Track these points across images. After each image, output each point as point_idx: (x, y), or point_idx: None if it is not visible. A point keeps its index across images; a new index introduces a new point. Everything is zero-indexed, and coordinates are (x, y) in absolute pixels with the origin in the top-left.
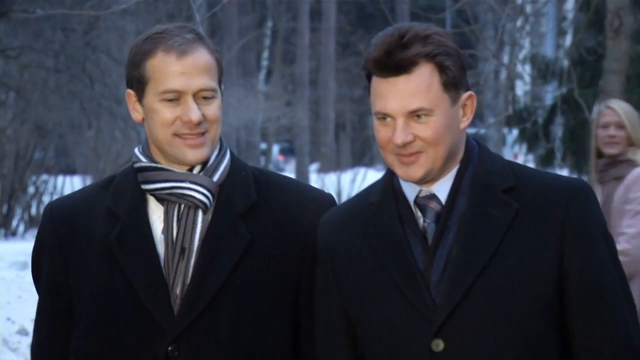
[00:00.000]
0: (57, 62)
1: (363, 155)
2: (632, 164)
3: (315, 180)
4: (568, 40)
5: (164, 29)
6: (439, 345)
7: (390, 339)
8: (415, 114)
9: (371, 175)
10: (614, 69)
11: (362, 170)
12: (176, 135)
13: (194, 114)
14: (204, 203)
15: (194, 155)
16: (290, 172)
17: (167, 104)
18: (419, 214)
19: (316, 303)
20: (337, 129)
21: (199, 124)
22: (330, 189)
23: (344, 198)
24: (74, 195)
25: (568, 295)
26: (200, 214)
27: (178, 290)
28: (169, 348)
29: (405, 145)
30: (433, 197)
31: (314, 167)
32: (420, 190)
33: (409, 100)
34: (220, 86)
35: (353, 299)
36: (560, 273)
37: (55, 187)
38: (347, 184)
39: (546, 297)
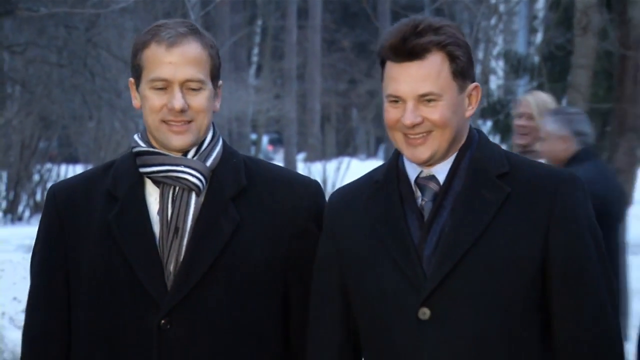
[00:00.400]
0: (60, 57)
1: (347, 145)
2: (537, 155)
3: (302, 168)
4: (539, 37)
5: (162, 23)
6: (425, 313)
7: (382, 307)
8: (424, 98)
9: (354, 164)
10: (582, 64)
11: (346, 160)
12: (163, 121)
13: (177, 102)
14: (197, 186)
15: (177, 140)
16: (279, 161)
17: (156, 92)
18: (418, 193)
19: (314, 273)
20: (322, 121)
21: (182, 112)
22: (316, 177)
23: (329, 185)
24: (75, 178)
25: (550, 277)
26: (193, 196)
27: (172, 268)
28: (162, 321)
29: (414, 126)
30: (432, 178)
31: (301, 156)
32: (421, 172)
33: (419, 84)
34: (214, 79)
35: (352, 269)
36: (544, 255)
37: (58, 175)
38: (332, 172)
39: (529, 276)
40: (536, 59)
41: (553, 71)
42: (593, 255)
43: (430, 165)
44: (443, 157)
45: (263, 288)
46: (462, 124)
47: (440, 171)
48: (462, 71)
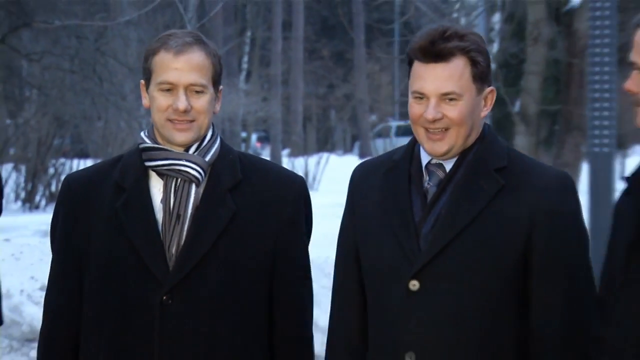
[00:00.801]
0: (72, 64)
1: (326, 142)
2: None
3: (286, 163)
4: (495, 47)
5: (172, 33)
6: (415, 285)
7: (381, 274)
8: (446, 97)
9: (332, 159)
10: (533, 70)
11: (325, 155)
12: (169, 120)
13: (182, 103)
14: (196, 178)
15: (180, 137)
16: (266, 156)
17: (163, 93)
18: (426, 177)
19: (339, 234)
20: (304, 121)
21: (185, 112)
22: (299, 170)
23: (311, 178)
24: (88, 169)
25: (531, 264)
26: (193, 187)
27: (173, 250)
28: (164, 297)
29: (434, 121)
30: (440, 166)
31: (285, 152)
32: (432, 159)
33: (443, 84)
34: (215, 84)
35: (362, 236)
36: (528, 244)
37: (71, 168)
38: (313, 166)
39: (512, 261)
40: (493, 66)
41: (508, 77)
42: (575, 250)
43: (445, 158)
44: (454, 154)
45: (254, 269)
46: (477, 123)
47: (449, 161)
48: (482, 75)
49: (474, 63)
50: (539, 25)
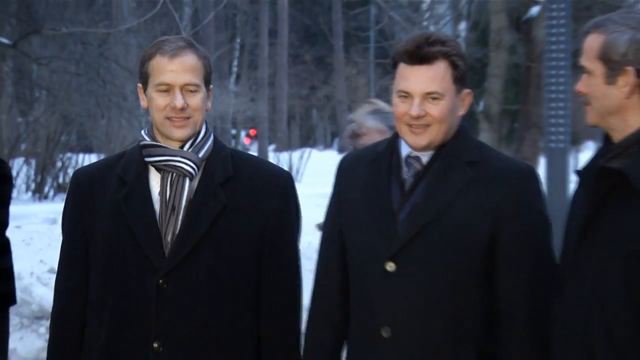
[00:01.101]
0: (78, 68)
1: (308, 139)
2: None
3: (272, 157)
4: None
5: (165, 39)
6: (391, 266)
7: (362, 256)
8: (430, 96)
9: (314, 154)
10: (496, 74)
11: (307, 150)
12: (167, 118)
13: (179, 102)
14: (190, 172)
15: (178, 133)
16: (253, 152)
17: (161, 94)
18: (405, 168)
19: (325, 219)
20: (289, 119)
21: (182, 109)
22: (284, 164)
23: (295, 171)
24: (94, 165)
25: (497, 249)
26: (187, 181)
27: (169, 238)
28: (160, 281)
29: (418, 117)
30: (418, 159)
31: (271, 147)
32: (411, 152)
33: (427, 84)
34: (206, 84)
35: (346, 220)
36: (495, 230)
37: (77, 162)
38: (297, 160)
39: (482, 246)
40: None
41: (472, 79)
42: (538, 235)
43: (425, 150)
44: (433, 148)
45: (243, 256)
46: (455, 121)
47: (426, 154)
48: (461, 78)
49: (454, 66)
50: (501, 32)
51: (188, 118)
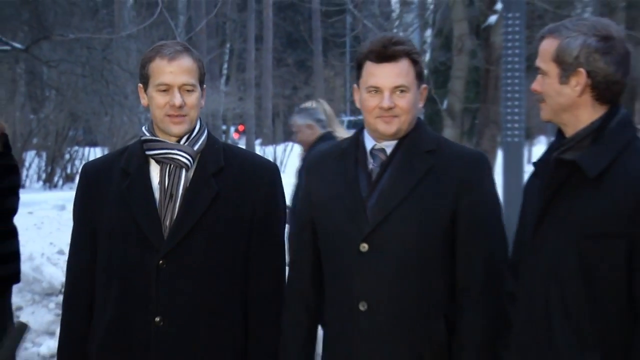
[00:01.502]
0: (84, 70)
1: (291, 134)
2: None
3: (259, 150)
4: (427, 56)
5: (163, 43)
6: (364, 247)
7: (335, 239)
8: (398, 89)
9: (296, 147)
10: (458, 75)
11: (290, 144)
12: (167, 115)
13: (177, 100)
14: (186, 164)
15: (176, 129)
16: (242, 145)
17: (160, 93)
18: (370, 159)
19: (296, 210)
20: (273, 116)
21: (180, 107)
22: (269, 156)
23: (279, 162)
24: (100, 159)
25: (457, 227)
26: (183, 171)
27: (167, 223)
28: (160, 262)
29: (389, 109)
30: (382, 150)
31: (258, 141)
32: (375, 145)
33: (395, 79)
34: (201, 84)
35: (318, 208)
36: (455, 211)
37: (83, 154)
38: (280, 152)
39: (442, 226)
40: (425, 72)
41: (437, 81)
42: (491, 216)
43: (383, 140)
44: (400, 137)
45: (234, 239)
46: (416, 113)
47: (389, 146)
48: (420, 74)
49: (415, 63)
50: (463, 38)
51: (185, 115)
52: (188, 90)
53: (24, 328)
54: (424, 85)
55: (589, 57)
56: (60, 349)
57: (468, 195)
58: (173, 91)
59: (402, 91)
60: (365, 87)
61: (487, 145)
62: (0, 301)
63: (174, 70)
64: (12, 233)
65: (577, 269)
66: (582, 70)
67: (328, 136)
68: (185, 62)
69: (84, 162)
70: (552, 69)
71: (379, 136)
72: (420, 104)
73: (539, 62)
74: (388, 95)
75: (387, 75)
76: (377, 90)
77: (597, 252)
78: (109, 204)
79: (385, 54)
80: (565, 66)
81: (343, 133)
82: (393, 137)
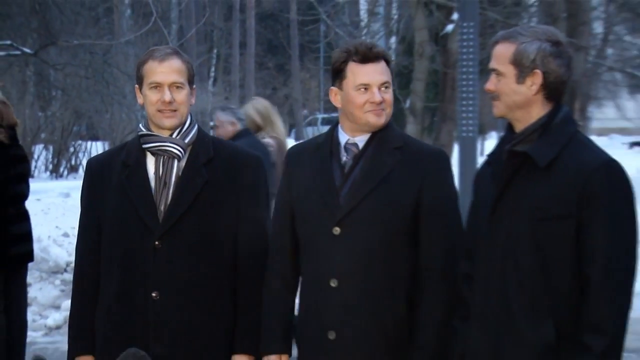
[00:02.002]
0: (87, 72)
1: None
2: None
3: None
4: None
5: (155, 48)
6: (337, 231)
7: (311, 223)
8: (384, 85)
9: None
10: (419, 78)
11: None
12: (158, 110)
13: (167, 96)
14: (178, 155)
15: (167, 122)
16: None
17: (153, 91)
18: (344, 153)
19: (276, 197)
20: None
21: (170, 103)
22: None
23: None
24: (103, 153)
25: (420, 217)
26: (176, 161)
27: (162, 208)
28: (156, 243)
29: (380, 103)
30: (355, 144)
31: None
32: (349, 139)
33: (381, 76)
34: (190, 83)
35: (296, 196)
36: (418, 202)
37: (86, 147)
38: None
39: (407, 213)
40: None
41: (401, 82)
42: (449, 204)
43: (357, 135)
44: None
45: (222, 222)
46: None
47: (361, 140)
48: (392, 73)
49: (389, 64)
50: (423, 45)
51: (175, 110)
52: (177, 87)
53: None
54: (392, 88)
55: (544, 59)
56: (71, 318)
57: (430, 187)
58: (164, 89)
59: (386, 87)
60: (354, 86)
61: (445, 140)
62: (18, 276)
63: (164, 70)
64: (25, 216)
65: (530, 249)
66: (538, 71)
67: (245, 133)
68: (175, 63)
69: (87, 155)
70: (510, 71)
71: (367, 130)
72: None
73: (495, 65)
74: (377, 90)
75: (374, 74)
76: (366, 87)
77: (548, 233)
78: (111, 192)
79: (370, 55)
80: (522, 68)
81: (279, 131)
82: (382, 127)
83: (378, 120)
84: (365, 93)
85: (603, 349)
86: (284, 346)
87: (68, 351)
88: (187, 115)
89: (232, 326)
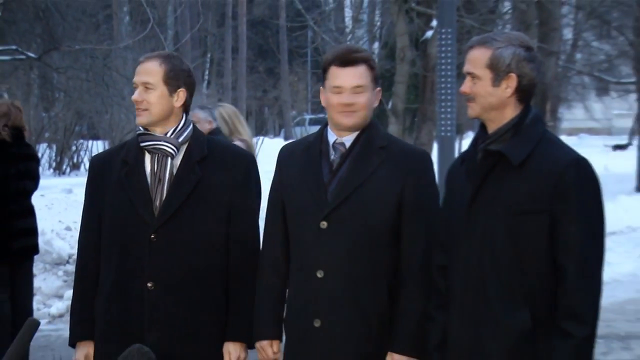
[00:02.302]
0: (88, 75)
1: (262, 129)
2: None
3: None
4: None
5: (149, 54)
6: (324, 224)
7: (300, 217)
8: (356, 89)
9: (266, 141)
10: (400, 81)
11: (261, 138)
12: (136, 108)
13: (135, 95)
14: (171, 153)
15: (138, 119)
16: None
17: (135, 91)
18: (332, 151)
19: (269, 193)
20: (247, 115)
21: (140, 102)
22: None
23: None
24: (105, 152)
25: (402, 213)
26: (169, 159)
27: (157, 203)
28: (152, 236)
29: (349, 105)
30: (342, 144)
31: None
32: (337, 139)
33: (354, 80)
34: (167, 84)
35: (286, 192)
36: (401, 199)
37: (87, 146)
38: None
39: (390, 209)
40: None
41: (383, 85)
42: (430, 203)
43: (344, 134)
44: (358, 129)
45: (214, 217)
46: (371, 112)
47: (348, 140)
48: (375, 77)
49: (371, 68)
50: (404, 50)
51: (145, 110)
52: (147, 88)
53: (35, 324)
54: (378, 88)
55: (519, 64)
56: (72, 306)
57: (412, 185)
58: (137, 88)
59: (359, 91)
60: (330, 88)
61: (425, 139)
62: (23, 267)
63: (139, 72)
64: (31, 211)
65: (506, 242)
66: (513, 75)
67: (217, 131)
68: (149, 65)
69: (88, 153)
70: (486, 74)
71: (341, 129)
72: (375, 104)
73: (471, 68)
74: (349, 93)
75: (349, 77)
76: (339, 89)
77: (523, 226)
78: (111, 188)
79: (347, 59)
80: (498, 72)
81: (246, 134)
82: (351, 129)
83: (347, 121)
84: (337, 95)
85: (584, 334)
86: (276, 332)
87: (70, 337)
88: (161, 115)
89: (224, 316)
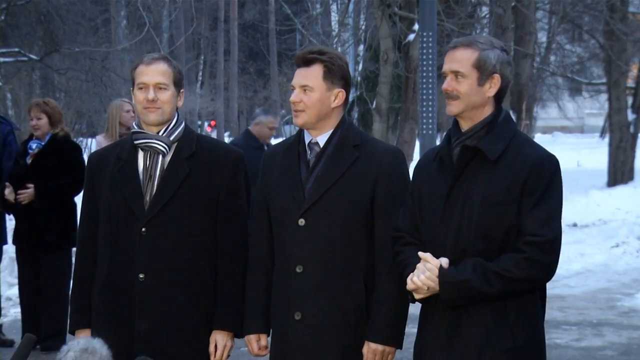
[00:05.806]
0: (87, 76)
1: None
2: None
3: (227, 141)
4: (360, 66)
5: (146, 54)
6: (302, 222)
7: (280, 215)
8: (304, 88)
9: None
10: (384, 81)
11: None
12: (144, 108)
13: (150, 95)
14: (162, 151)
15: (151, 116)
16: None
17: (140, 91)
18: (308, 151)
19: (256, 193)
20: (238, 114)
21: (153, 101)
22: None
23: None
24: (102, 149)
25: (375, 209)
26: (160, 156)
27: (148, 198)
28: (142, 229)
29: (295, 103)
30: (317, 143)
31: (226, 134)
32: (312, 139)
33: (300, 79)
34: (177, 86)
35: (269, 192)
36: (373, 194)
37: (86, 144)
38: None
39: (364, 205)
40: (359, 78)
41: (368, 85)
42: (402, 198)
43: (316, 134)
44: (321, 130)
45: (202, 211)
46: (327, 111)
47: (322, 140)
48: (331, 78)
49: (328, 69)
50: (388, 52)
51: (158, 108)
52: (160, 88)
53: (31, 340)
54: (339, 90)
55: (502, 65)
56: (71, 296)
57: (385, 181)
58: (149, 89)
59: (306, 90)
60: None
61: (407, 137)
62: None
63: (150, 72)
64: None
65: (479, 227)
66: (497, 75)
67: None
68: (160, 67)
69: (87, 150)
70: (473, 74)
71: (305, 128)
72: (334, 104)
73: (456, 67)
74: (297, 92)
75: (298, 77)
76: (293, 88)
77: (494, 216)
78: (105, 184)
79: (301, 60)
80: (484, 72)
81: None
82: (303, 127)
83: (295, 120)
84: (293, 92)
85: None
86: (263, 327)
87: (69, 325)
88: (170, 113)
89: (212, 306)
